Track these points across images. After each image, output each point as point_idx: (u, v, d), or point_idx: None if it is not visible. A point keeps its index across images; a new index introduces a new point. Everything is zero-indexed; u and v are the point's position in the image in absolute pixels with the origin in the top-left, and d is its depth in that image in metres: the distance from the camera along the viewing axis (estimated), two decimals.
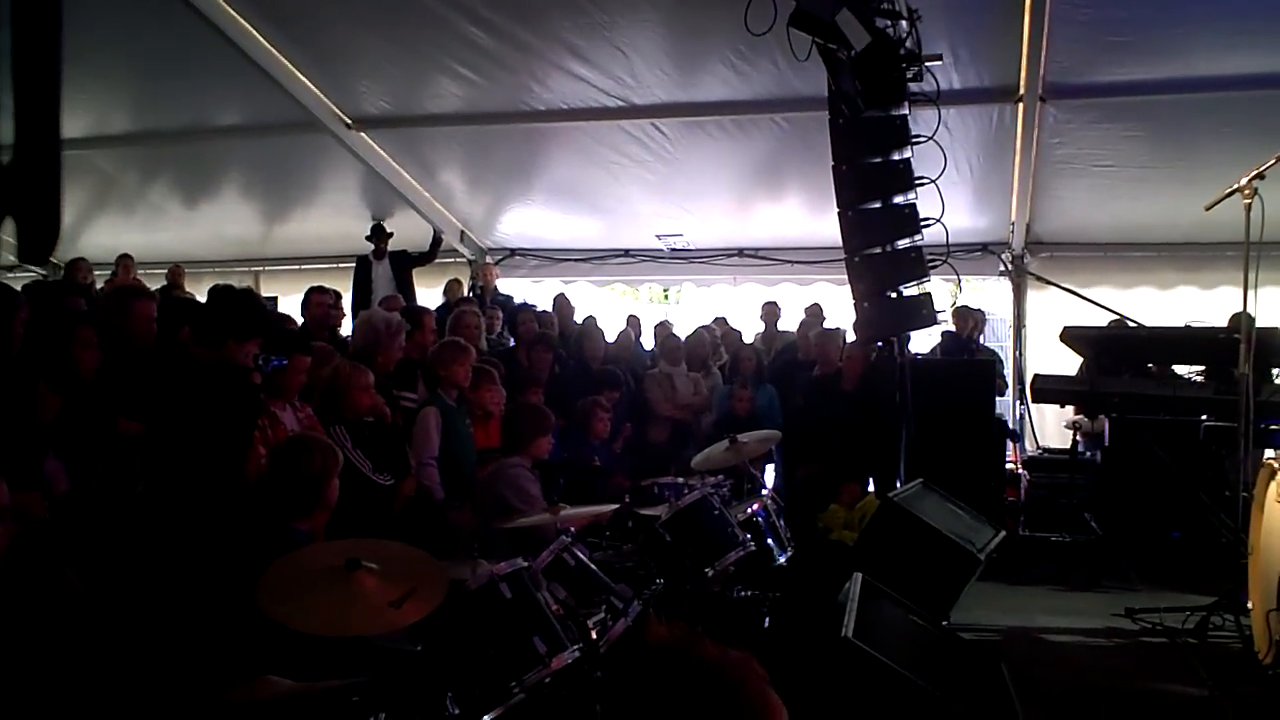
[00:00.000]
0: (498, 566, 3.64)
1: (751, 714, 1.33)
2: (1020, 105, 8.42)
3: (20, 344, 4.38)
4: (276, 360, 4.96)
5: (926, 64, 6.77)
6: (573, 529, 4.56)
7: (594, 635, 3.78)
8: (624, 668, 1.40)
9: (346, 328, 8.23)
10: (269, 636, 3.12)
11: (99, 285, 10.21)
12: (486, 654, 3.44)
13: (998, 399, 8.98)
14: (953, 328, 9.72)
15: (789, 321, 10.42)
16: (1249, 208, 5.66)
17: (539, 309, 10.25)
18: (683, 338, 9.51)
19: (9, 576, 3.15)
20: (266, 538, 3.69)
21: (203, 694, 3.16)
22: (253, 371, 4.81)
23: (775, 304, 10.47)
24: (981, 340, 10.14)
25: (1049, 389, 8.17)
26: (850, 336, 8.44)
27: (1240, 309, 6.00)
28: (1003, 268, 10.93)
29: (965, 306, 9.96)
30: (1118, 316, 9.15)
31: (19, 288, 9.15)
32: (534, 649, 3.46)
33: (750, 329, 10.42)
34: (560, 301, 10.61)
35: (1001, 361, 9.98)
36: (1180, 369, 8.24)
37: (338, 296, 8.07)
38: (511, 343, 9.58)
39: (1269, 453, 5.46)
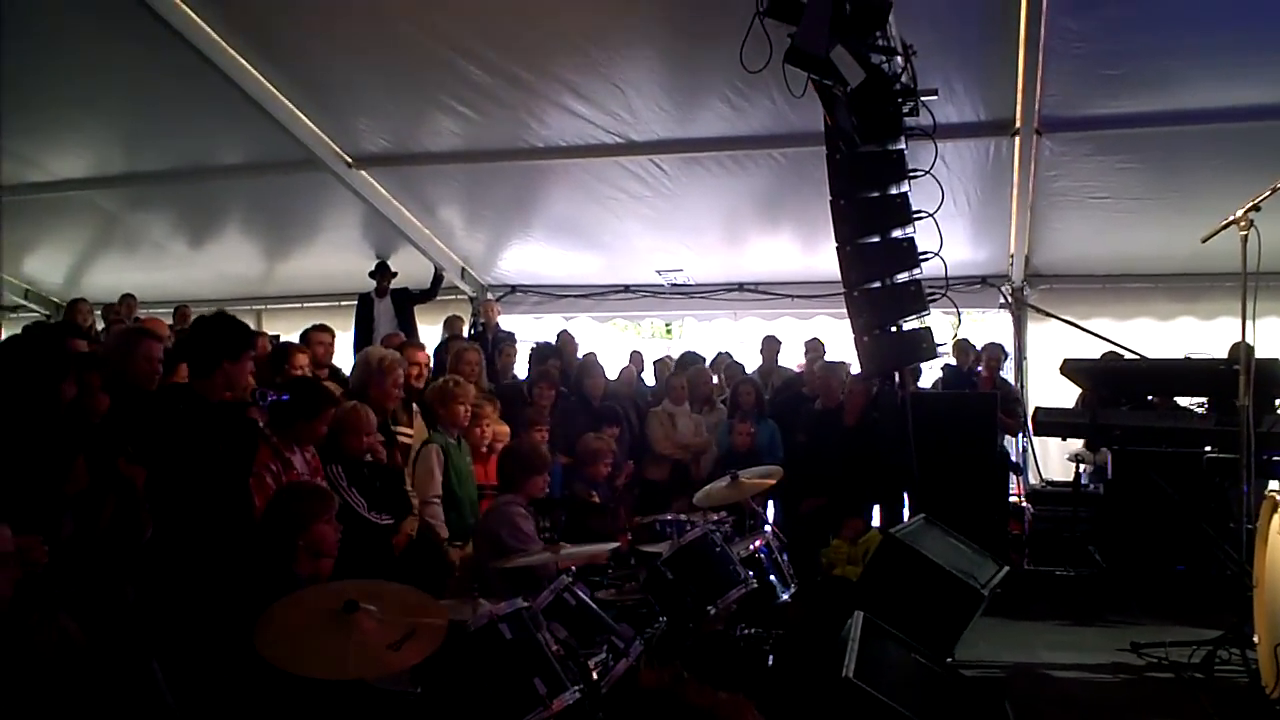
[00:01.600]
0: (498, 607, 3.63)
1: None
2: (1017, 138, 8.46)
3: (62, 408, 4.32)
4: (273, 395, 4.96)
5: (922, 98, 6.80)
6: (573, 568, 4.54)
7: (595, 675, 3.76)
8: (615, 713, 1.39)
9: (338, 362, 8.23)
10: (267, 680, 3.10)
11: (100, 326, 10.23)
12: (487, 696, 3.42)
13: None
14: (953, 361, 9.71)
15: (790, 355, 10.40)
16: (1245, 239, 5.65)
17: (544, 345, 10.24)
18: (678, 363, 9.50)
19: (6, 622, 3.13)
20: (267, 581, 3.67)
21: None
22: (250, 406, 4.81)
23: (775, 338, 10.47)
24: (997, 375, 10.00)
25: (1051, 421, 8.15)
26: (855, 370, 8.43)
27: (1239, 339, 5.99)
28: (1002, 300, 10.97)
29: (966, 340, 9.93)
30: (1115, 348, 9.13)
31: (20, 328, 9.20)
32: (535, 690, 3.44)
33: (752, 363, 10.40)
34: (564, 338, 10.60)
35: (1020, 401, 9.93)
36: (1183, 400, 8.22)
37: (332, 334, 8.06)
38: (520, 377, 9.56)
39: (1272, 484, 5.40)
